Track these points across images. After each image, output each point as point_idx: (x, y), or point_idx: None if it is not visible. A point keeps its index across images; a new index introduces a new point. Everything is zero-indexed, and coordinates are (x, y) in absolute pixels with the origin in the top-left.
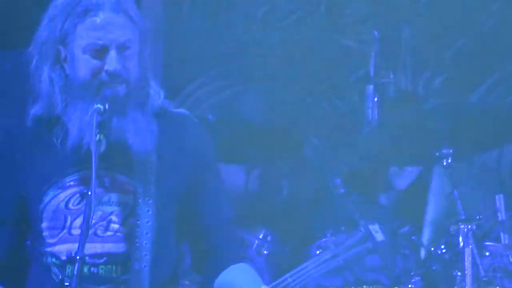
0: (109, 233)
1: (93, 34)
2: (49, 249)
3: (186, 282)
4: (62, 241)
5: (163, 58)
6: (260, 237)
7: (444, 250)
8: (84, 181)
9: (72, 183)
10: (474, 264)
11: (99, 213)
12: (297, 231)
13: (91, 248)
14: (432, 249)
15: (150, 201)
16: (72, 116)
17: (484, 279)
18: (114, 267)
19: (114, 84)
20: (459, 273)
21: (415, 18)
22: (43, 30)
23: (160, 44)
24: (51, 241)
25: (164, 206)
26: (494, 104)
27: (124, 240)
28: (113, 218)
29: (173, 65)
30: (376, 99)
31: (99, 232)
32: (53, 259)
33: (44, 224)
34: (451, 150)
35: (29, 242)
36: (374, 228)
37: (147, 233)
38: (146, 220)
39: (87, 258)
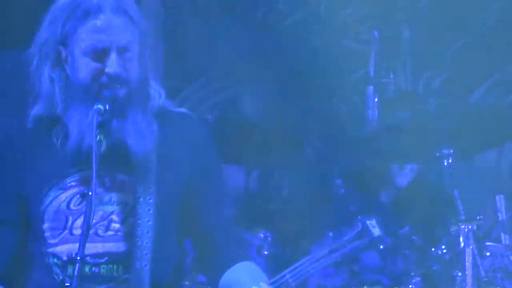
0: (110, 232)
1: (94, 36)
2: (50, 249)
3: (186, 283)
4: (63, 242)
5: (163, 59)
6: (261, 237)
7: (444, 251)
8: (85, 182)
9: (73, 183)
10: (475, 265)
11: (100, 213)
12: (297, 231)
13: (92, 248)
14: (433, 249)
15: (150, 200)
16: (72, 118)
17: (484, 279)
18: (115, 266)
19: (115, 86)
20: (459, 274)
21: (415, 18)
22: (43, 31)
23: (160, 44)
24: (52, 241)
25: (165, 205)
26: (494, 104)
27: (125, 240)
28: (114, 217)
29: (173, 65)
30: (376, 99)
31: (100, 232)
32: (55, 260)
33: (45, 225)
34: (452, 150)
35: (30, 243)
36: (371, 223)
37: (147, 232)
38: (147, 219)
39: (88, 258)
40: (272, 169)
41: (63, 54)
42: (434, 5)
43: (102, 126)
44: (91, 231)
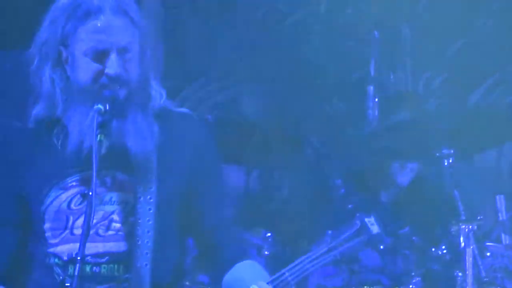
0: (110, 232)
1: (94, 37)
2: (51, 249)
3: (187, 283)
4: (64, 242)
5: (163, 59)
6: (261, 237)
7: (445, 251)
8: (86, 182)
9: (74, 183)
10: (475, 265)
11: (100, 212)
12: (297, 231)
13: (93, 247)
14: (433, 249)
15: (151, 200)
16: (72, 118)
17: (485, 279)
18: (116, 266)
19: (115, 87)
20: (460, 274)
21: (415, 18)
22: (44, 31)
23: (160, 44)
24: (53, 241)
25: (166, 204)
26: (494, 104)
27: (126, 239)
28: (115, 217)
29: (173, 65)
30: (376, 99)
31: (100, 231)
32: (55, 260)
33: (46, 225)
34: (452, 150)
35: (31, 243)
36: (370, 220)
37: (148, 232)
38: (147, 218)
39: (89, 257)
40: (272, 169)
41: (64, 54)
42: (434, 5)
43: (103, 126)
44: (92, 231)
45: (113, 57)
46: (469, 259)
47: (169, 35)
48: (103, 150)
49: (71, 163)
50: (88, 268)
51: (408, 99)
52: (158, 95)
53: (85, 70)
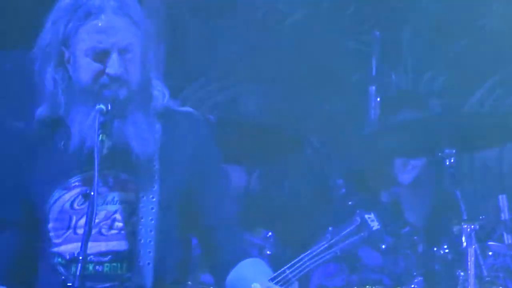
0: (113, 231)
1: (95, 37)
2: (55, 249)
3: (189, 283)
4: (67, 241)
5: (164, 59)
6: (262, 237)
7: (447, 250)
8: (89, 182)
9: (77, 183)
10: (477, 264)
11: (103, 212)
12: (299, 231)
13: (96, 246)
14: (435, 249)
15: (153, 199)
16: (74, 119)
17: (487, 279)
18: (119, 264)
19: (115, 87)
20: (462, 273)
21: (416, 18)
22: (46, 32)
23: (162, 45)
24: (57, 241)
25: (168, 203)
26: (496, 104)
27: (128, 238)
28: (117, 216)
29: (174, 65)
30: (378, 99)
31: (103, 230)
32: (59, 259)
33: (50, 225)
34: (454, 150)
35: (35, 243)
36: (370, 217)
37: (151, 231)
38: (150, 218)
39: (92, 256)
40: (273, 169)
41: (66, 55)
42: (435, 5)
43: (104, 126)
44: (95, 230)
45: (114, 57)
46: (471, 259)
47: (170, 35)
48: (105, 150)
49: (74, 163)
50: (91, 267)
51: (409, 99)
52: (161, 95)
53: (86, 70)
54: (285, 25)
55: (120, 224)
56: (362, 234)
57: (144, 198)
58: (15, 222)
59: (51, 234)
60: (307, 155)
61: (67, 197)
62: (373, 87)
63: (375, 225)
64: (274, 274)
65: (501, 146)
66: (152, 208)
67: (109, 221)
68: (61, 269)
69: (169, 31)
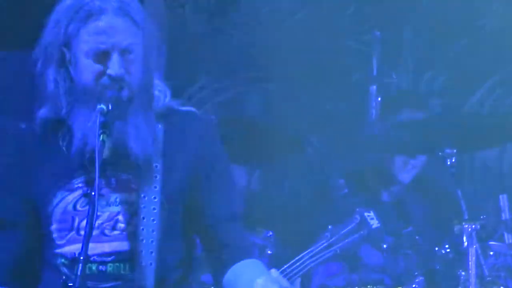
0: (116, 232)
1: (96, 38)
2: (58, 250)
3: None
4: (70, 242)
5: (165, 59)
6: (263, 237)
7: (448, 250)
8: (91, 183)
9: (79, 185)
10: (478, 264)
11: (106, 213)
12: (300, 230)
13: (99, 247)
14: (436, 248)
15: (155, 199)
16: (76, 120)
17: (488, 278)
18: (122, 265)
19: (116, 88)
20: (463, 273)
21: (417, 18)
22: (47, 33)
23: (163, 45)
24: (60, 242)
25: (171, 203)
26: (496, 103)
27: (131, 239)
28: (120, 217)
29: (176, 66)
30: (379, 99)
31: (106, 231)
32: (62, 260)
33: (53, 226)
34: (454, 150)
35: (38, 244)
36: (370, 215)
37: (153, 231)
38: (152, 218)
39: (95, 257)
40: (273, 169)
41: (67, 56)
42: (436, 5)
43: (105, 126)
44: (98, 231)
45: (114, 58)
46: (472, 259)
47: (171, 35)
48: (107, 151)
49: (77, 164)
50: (94, 267)
51: (410, 98)
52: (162, 95)
53: (87, 71)
54: (285, 25)
55: (122, 225)
56: (361, 232)
57: (146, 198)
58: (18, 223)
59: (54, 235)
60: (308, 155)
61: (70, 198)
62: (374, 87)
63: (375, 223)
64: None
65: (501, 146)
66: (154, 209)
67: (112, 222)
68: (65, 270)
69: (170, 31)
